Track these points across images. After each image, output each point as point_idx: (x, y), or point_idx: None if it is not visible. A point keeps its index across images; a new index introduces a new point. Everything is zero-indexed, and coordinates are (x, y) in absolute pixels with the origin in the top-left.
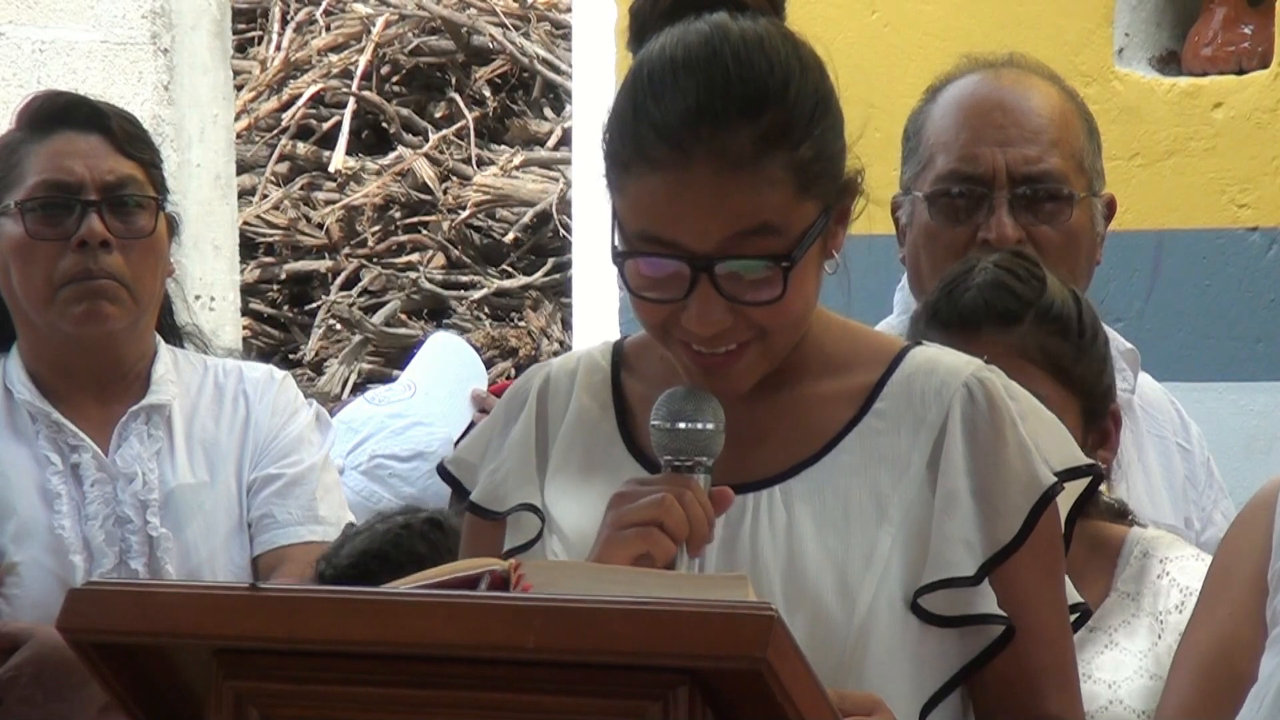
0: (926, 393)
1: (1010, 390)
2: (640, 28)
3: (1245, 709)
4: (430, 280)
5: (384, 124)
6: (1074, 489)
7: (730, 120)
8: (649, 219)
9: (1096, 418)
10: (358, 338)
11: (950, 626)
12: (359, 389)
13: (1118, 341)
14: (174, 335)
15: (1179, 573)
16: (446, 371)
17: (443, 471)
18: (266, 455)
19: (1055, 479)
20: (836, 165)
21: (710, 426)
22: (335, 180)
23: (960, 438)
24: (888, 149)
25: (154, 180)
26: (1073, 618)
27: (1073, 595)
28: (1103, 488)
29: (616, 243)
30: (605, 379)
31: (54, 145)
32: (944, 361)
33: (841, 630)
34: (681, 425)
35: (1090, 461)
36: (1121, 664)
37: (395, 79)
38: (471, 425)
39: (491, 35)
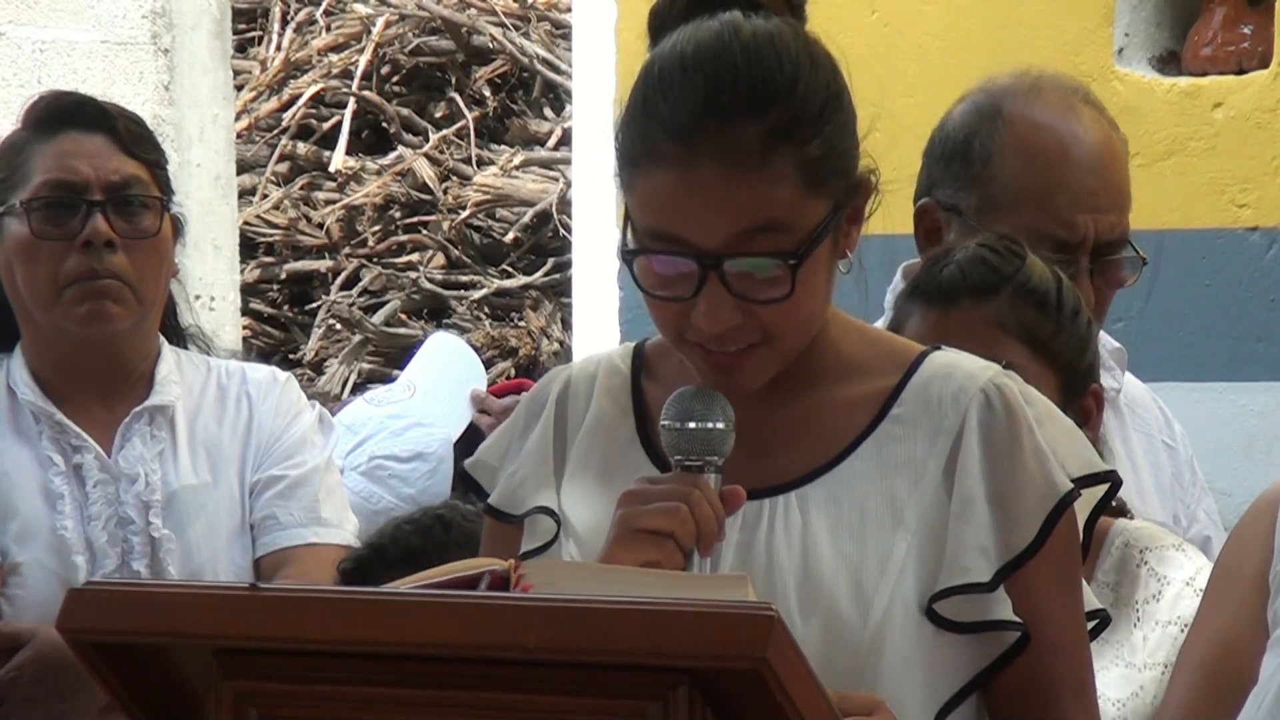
0: (944, 398)
1: (1027, 396)
2: (659, 27)
3: (1245, 710)
4: (430, 280)
5: (384, 124)
6: (1092, 496)
7: (737, 116)
8: (657, 215)
9: (1076, 394)
10: (358, 338)
11: (965, 633)
12: (359, 389)
13: (1105, 340)
14: (177, 336)
15: (1157, 562)
16: (446, 372)
17: (463, 474)
18: (269, 457)
19: (1072, 485)
20: (847, 163)
21: (720, 426)
22: (335, 180)
23: (977, 444)
24: (888, 149)
25: (159, 180)
26: (1091, 625)
27: (1091, 602)
28: None
29: (628, 241)
30: (625, 382)
31: (59, 145)
32: (962, 367)
33: (856, 636)
34: (691, 424)
35: (1109, 468)
36: (1099, 653)
37: (395, 79)
38: (471, 426)
39: (491, 35)
